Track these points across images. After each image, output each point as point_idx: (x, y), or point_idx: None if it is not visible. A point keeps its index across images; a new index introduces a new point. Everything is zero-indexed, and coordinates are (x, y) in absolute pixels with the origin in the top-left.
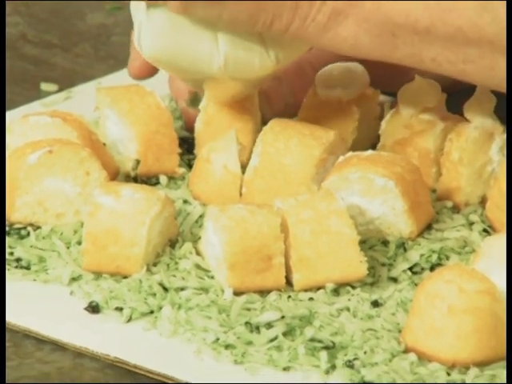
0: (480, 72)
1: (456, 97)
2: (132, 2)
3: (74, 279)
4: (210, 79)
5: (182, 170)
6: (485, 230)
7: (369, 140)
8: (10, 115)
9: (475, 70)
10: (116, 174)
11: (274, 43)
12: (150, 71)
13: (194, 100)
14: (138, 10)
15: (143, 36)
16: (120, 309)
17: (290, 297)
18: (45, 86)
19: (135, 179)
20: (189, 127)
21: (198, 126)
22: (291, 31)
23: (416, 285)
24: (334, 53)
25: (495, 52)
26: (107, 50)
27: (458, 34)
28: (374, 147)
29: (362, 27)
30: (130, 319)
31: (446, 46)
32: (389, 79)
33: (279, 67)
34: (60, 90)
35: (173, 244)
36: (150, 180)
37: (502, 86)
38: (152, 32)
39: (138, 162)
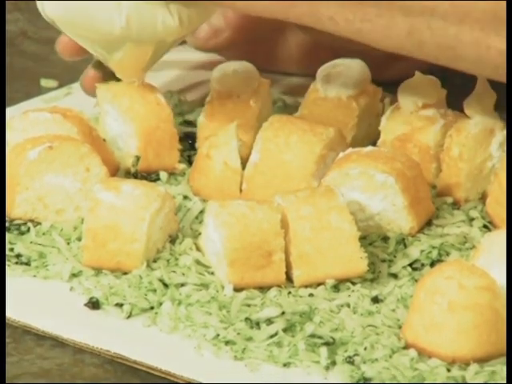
0: (376, 31)
1: (456, 93)
2: None
3: (74, 275)
4: (116, 51)
5: (182, 166)
6: (485, 226)
7: (369, 136)
8: (10, 111)
9: (371, 29)
10: (116, 170)
11: (177, 4)
12: (77, 52)
13: (99, 63)
14: None
15: None
16: (120, 305)
17: (290, 293)
18: (45, 83)
19: (135, 175)
20: (85, 89)
21: (201, 119)
22: None
23: (416, 281)
24: None
25: (393, 10)
26: None
27: None
28: (374, 144)
29: None
30: (130, 315)
31: (344, 4)
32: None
33: (185, 31)
34: (60, 86)
35: (173, 240)
36: (150, 176)
37: (397, 47)
38: None
39: (137, 158)
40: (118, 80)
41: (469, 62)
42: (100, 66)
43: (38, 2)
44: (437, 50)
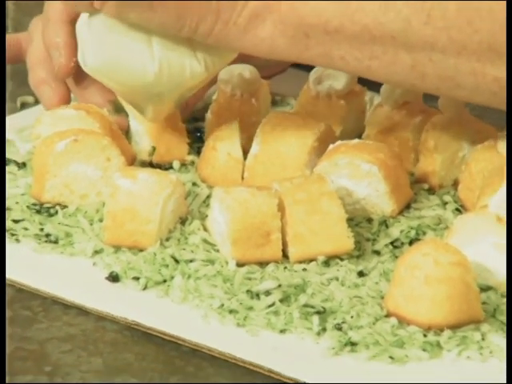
0: (383, 67)
1: None
2: (77, 24)
3: (96, 252)
4: (149, 102)
5: (190, 157)
6: (457, 209)
7: (356, 130)
8: (40, 108)
9: (379, 65)
10: (133, 160)
11: (202, 49)
12: (68, 101)
13: (117, 108)
14: (80, 28)
15: (86, 50)
16: (137, 278)
17: (286, 268)
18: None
19: (151, 164)
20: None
21: (208, 115)
22: (215, 34)
23: (397, 257)
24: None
25: (397, 47)
26: None
27: (365, 31)
28: (360, 137)
29: (278, 28)
30: (145, 287)
31: (354, 45)
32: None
33: (208, 76)
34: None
35: (183, 221)
36: (163, 165)
37: (402, 81)
38: (93, 44)
39: (154, 148)
40: None
41: (467, 89)
42: (118, 109)
43: (79, 58)
44: (438, 81)
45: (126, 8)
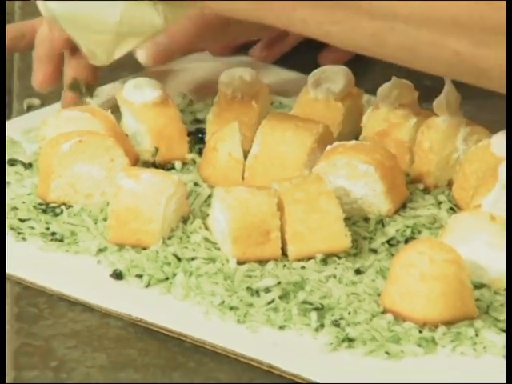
0: (343, 33)
1: (427, 95)
2: None
3: (100, 250)
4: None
5: (190, 156)
6: (451, 209)
7: (353, 132)
8: (46, 111)
9: (339, 31)
10: (136, 161)
11: (162, 2)
12: (54, 82)
13: (73, 86)
14: None
15: None
16: (140, 276)
17: (285, 265)
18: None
19: (154, 165)
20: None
21: (210, 117)
22: None
23: (393, 255)
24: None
25: (360, 14)
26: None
27: None
28: (357, 138)
29: None
30: (148, 285)
31: (317, 8)
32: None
33: (165, 26)
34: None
35: (185, 220)
36: (166, 165)
37: (361, 48)
38: None
39: (156, 149)
40: (93, 97)
41: (426, 60)
42: (75, 87)
43: (39, 6)
44: (397, 50)
45: None
